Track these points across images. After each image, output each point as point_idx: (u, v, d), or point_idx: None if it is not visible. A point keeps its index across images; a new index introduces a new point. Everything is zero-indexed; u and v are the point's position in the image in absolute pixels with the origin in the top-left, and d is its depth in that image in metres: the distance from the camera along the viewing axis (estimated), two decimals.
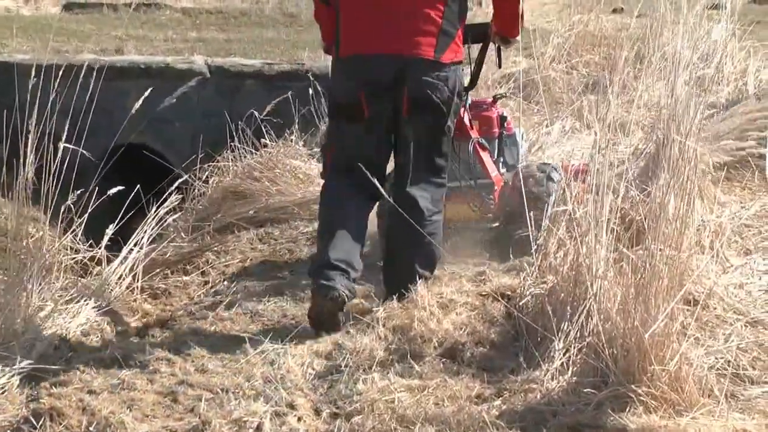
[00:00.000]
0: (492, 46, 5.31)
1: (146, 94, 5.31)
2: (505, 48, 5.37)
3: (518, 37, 5.12)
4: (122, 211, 5.20)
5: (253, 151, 7.41)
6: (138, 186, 5.35)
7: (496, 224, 5.38)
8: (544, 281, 4.45)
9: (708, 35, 7.40)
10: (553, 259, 4.63)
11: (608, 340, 3.60)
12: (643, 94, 7.64)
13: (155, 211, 5.43)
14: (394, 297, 4.60)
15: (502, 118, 5.73)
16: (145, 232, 5.26)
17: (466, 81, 5.20)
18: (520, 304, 4.39)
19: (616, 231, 4.04)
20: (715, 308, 4.31)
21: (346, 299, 4.50)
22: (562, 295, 4.13)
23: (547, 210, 4.90)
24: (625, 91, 8.19)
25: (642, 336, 3.46)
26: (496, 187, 5.42)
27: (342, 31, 4.75)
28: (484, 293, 4.72)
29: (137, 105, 5.24)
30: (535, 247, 4.75)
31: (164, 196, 5.71)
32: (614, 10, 12.27)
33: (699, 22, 7.14)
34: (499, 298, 4.61)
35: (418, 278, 4.64)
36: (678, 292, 3.61)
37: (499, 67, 5.87)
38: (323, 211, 4.82)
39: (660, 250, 3.70)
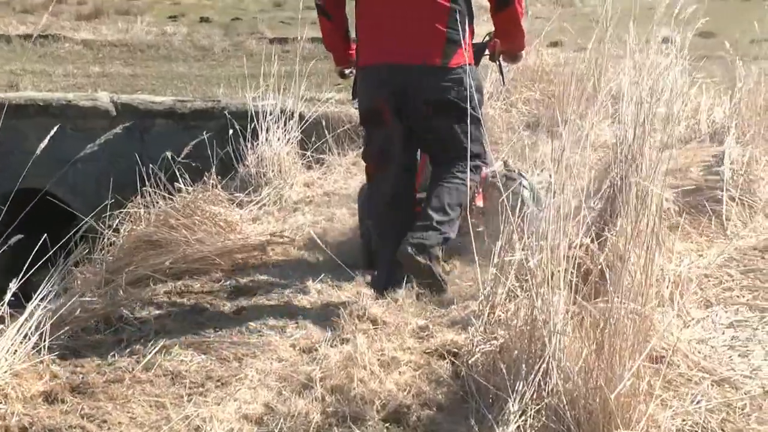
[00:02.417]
0: (494, 65, 6.19)
1: (52, 132, 5.23)
2: (513, 63, 6.39)
3: (524, 53, 6.03)
4: (27, 264, 5.08)
5: (167, 196, 7.33)
6: (45, 236, 5.24)
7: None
8: (494, 336, 4.44)
9: (656, 71, 7.47)
10: (502, 312, 4.64)
11: (570, 401, 3.60)
12: (590, 134, 7.71)
13: (63, 263, 5.32)
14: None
15: None
16: (52, 285, 5.14)
17: None
18: (470, 362, 4.36)
19: (573, 282, 4.06)
20: (678, 365, 4.34)
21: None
22: (516, 352, 4.11)
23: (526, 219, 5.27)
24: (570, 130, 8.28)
25: (607, 397, 3.46)
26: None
27: (361, 43, 5.67)
28: (428, 351, 4.71)
29: (42, 145, 5.16)
30: (481, 298, 4.76)
31: (69, 246, 5.60)
32: (554, 44, 12.43)
33: (647, 57, 7.27)
34: (446, 356, 4.60)
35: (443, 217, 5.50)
36: (643, 349, 3.62)
37: (504, 84, 7.26)
38: (378, 223, 5.79)
39: (623, 303, 3.71)
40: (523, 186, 6.15)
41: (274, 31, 17.23)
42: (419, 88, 5.52)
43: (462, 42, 5.52)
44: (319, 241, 4.62)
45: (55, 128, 5.27)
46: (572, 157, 7.67)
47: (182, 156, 7.18)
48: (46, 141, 5.14)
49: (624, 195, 5.08)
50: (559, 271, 3.98)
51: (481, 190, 6.15)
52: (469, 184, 5.60)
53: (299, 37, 10.06)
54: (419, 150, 5.98)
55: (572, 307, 3.97)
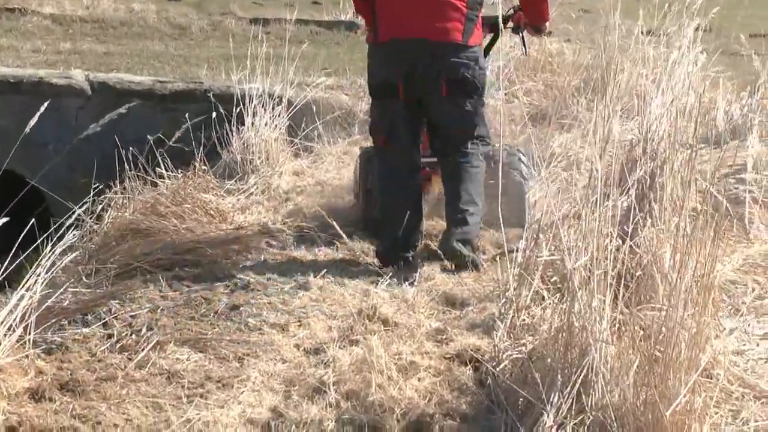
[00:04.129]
0: (516, 36, 6.68)
1: (42, 109, 5.07)
2: (537, 36, 6.87)
3: (548, 23, 6.42)
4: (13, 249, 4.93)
5: (150, 181, 7.18)
6: (32, 220, 5.06)
7: None
8: (522, 343, 4.32)
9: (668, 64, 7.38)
10: (527, 316, 4.52)
11: (619, 416, 3.46)
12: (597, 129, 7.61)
13: (50, 251, 5.13)
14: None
15: None
16: (38, 275, 4.95)
17: None
18: (496, 369, 4.23)
19: (613, 286, 3.93)
20: (718, 378, 4.20)
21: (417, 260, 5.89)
22: (549, 360, 3.97)
23: (526, 196, 6.45)
24: (577, 124, 8.20)
25: (661, 413, 3.33)
26: None
27: (379, 20, 5.99)
28: (448, 355, 4.58)
29: (31, 123, 5.00)
30: (503, 300, 4.65)
31: (59, 233, 5.41)
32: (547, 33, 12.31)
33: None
34: (467, 361, 4.47)
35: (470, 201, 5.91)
36: (699, 363, 3.49)
37: (526, 54, 7.83)
38: (388, 192, 6.05)
39: (677, 312, 3.57)
40: (522, 161, 6.65)
41: (246, 11, 17.04)
42: (440, 64, 5.89)
43: (477, 21, 5.99)
44: (327, 217, 4.70)
45: (45, 105, 5.06)
46: (573, 151, 7.61)
47: (173, 141, 7.02)
48: (35, 119, 4.94)
49: (655, 194, 4.95)
50: (599, 274, 3.85)
51: None
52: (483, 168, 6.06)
53: (288, 19, 9.89)
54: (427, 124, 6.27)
55: (614, 314, 3.83)
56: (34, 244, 5.08)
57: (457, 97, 5.97)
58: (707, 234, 3.94)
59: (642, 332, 3.69)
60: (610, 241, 4.07)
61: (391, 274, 5.71)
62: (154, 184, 7.28)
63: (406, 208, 5.87)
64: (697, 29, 6.98)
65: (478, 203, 5.96)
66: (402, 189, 6.01)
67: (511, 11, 6.44)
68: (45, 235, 5.27)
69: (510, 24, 6.54)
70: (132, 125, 9.08)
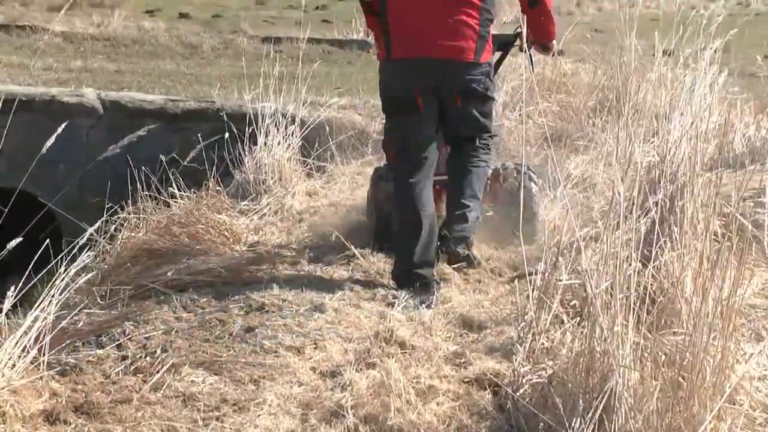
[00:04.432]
0: (523, 55, 6.56)
1: (60, 130, 5.06)
2: (545, 54, 6.87)
3: (554, 42, 6.53)
4: (28, 270, 4.91)
5: (162, 202, 7.18)
6: (47, 241, 5.06)
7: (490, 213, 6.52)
8: (541, 367, 4.29)
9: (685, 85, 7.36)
10: (547, 340, 4.50)
11: None
12: (613, 150, 7.60)
13: (64, 272, 5.12)
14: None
15: None
16: (53, 296, 4.94)
17: None
18: (516, 394, 4.21)
19: (636, 310, 3.90)
20: (741, 404, 4.17)
21: (434, 281, 5.96)
22: (569, 385, 3.95)
23: (537, 215, 6.67)
24: (593, 146, 8.19)
25: None
26: None
27: (394, 37, 6.13)
28: (467, 379, 4.56)
29: (48, 143, 4.99)
30: (522, 324, 4.62)
31: (72, 253, 5.40)
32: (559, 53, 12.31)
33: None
34: (487, 386, 4.45)
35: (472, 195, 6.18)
36: (723, 389, 3.47)
37: (533, 71, 7.42)
38: (401, 209, 6.12)
39: (702, 337, 3.55)
40: (532, 180, 6.82)
41: (257, 30, 17.09)
42: (453, 81, 6.08)
43: (489, 38, 6.17)
44: (342, 238, 4.71)
45: (63, 125, 5.06)
46: (589, 172, 7.59)
47: (188, 159, 7.01)
48: (52, 139, 4.95)
49: (676, 217, 4.93)
50: (621, 298, 3.83)
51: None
52: (490, 165, 6.43)
53: (302, 37, 9.90)
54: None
55: (636, 338, 3.81)
56: (48, 266, 5.06)
57: (470, 104, 6.20)
58: (730, 259, 3.93)
59: (664, 357, 3.66)
60: (631, 264, 4.05)
61: (407, 296, 5.70)
62: (167, 204, 7.27)
63: (421, 223, 5.99)
64: (715, 51, 6.95)
65: (479, 197, 6.26)
66: (415, 205, 6.06)
67: (519, 30, 6.53)
68: (60, 255, 5.25)
69: (517, 42, 6.69)
70: (143, 144, 9.08)
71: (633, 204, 4.25)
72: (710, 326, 3.60)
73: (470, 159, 6.29)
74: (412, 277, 5.91)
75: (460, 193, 6.19)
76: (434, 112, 6.18)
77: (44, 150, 4.96)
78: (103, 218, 6.52)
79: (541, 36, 6.48)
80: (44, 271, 4.93)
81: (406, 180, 6.12)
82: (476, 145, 6.32)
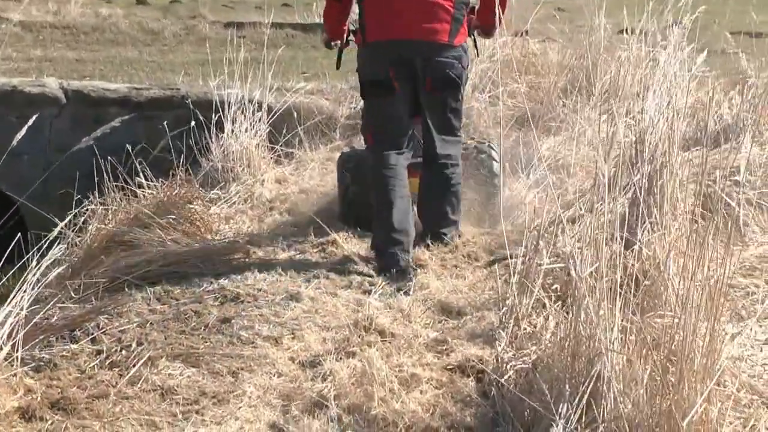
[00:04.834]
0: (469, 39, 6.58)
1: (30, 121, 5.01)
2: (486, 38, 7.08)
3: (497, 29, 6.38)
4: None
5: (130, 191, 7.13)
6: (18, 235, 5.00)
7: None
8: (525, 353, 4.29)
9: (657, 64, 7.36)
10: (528, 325, 4.49)
11: (633, 427, 3.43)
12: (587, 131, 7.61)
13: (36, 266, 5.06)
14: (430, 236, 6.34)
15: None
16: (25, 291, 4.88)
17: None
18: (501, 380, 4.19)
19: (621, 293, 3.89)
20: (727, 386, 4.16)
21: (410, 267, 5.95)
22: (555, 370, 3.94)
23: (499, 191, 6.69)
24: (564, 126, 8.18)
25: (678, 424, 3.30)
26: None
27: (369, 21, 6.25)
28: (449, 367, 4.54)
29: (19, 135, 4.93)
30: (504, 309, 4.61)
31: (41, 246, 5.35)
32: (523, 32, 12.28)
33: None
34: (470, 373, 4.44)
35: (450, 223, 6.39)
36: (713, 371, 3.47)
37: (477, 56, 7.80)
38: (380, 186, 6.19)
39: (690, 320, 3.54)
40: (493, 158, 6.89)
41: (217, 15, 16.99)
42: (427, 63, 6.17)
43: (464, 22, 6.27)
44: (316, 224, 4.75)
45: (34, 117, 5.00)
46: (562, 154, 7.58)
47: (158, 149, 6.96)
48: (24, 131, 4.89)
49: (654, 198, 4.92)
50: (607, 281, 3.82)
51: None
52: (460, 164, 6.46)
53: (266, 22, 9.84)
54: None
55: (623, 322, 3.80)
56: (21, 261, 5.00)
57: (438, 93, 6.28)
58: (716, 239, 3.93)
59: (651, 340, 3.66)
60: (614, 246, 4.04)
61: (383, 283, 5.67)
62: (134, 194, 7.21)
63: (398, 200, 6.12)
64: (682, 28, 6.94)
65: (457, 219, 6.48)
66: (392, 185, 6.17)
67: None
68: (34, 249, 5.19)
69: None
70: (108, 134, 9.01)
71: (615, 185, 4.24)
72: (698, 308, 3.59)
73: (445, 176, 6.38)
74: (393, 242, 5.99)
75: (440, 216, 6.42)
76: (410, 93, 6.27)
77: (14, 143, 4.88)
78: (73, 211, 6.46)
79: (484, 21, 6.55)
80: (16, 266, 4.87)
81: (383, 161, 6.22)
82: (449, 155, 6.39)
